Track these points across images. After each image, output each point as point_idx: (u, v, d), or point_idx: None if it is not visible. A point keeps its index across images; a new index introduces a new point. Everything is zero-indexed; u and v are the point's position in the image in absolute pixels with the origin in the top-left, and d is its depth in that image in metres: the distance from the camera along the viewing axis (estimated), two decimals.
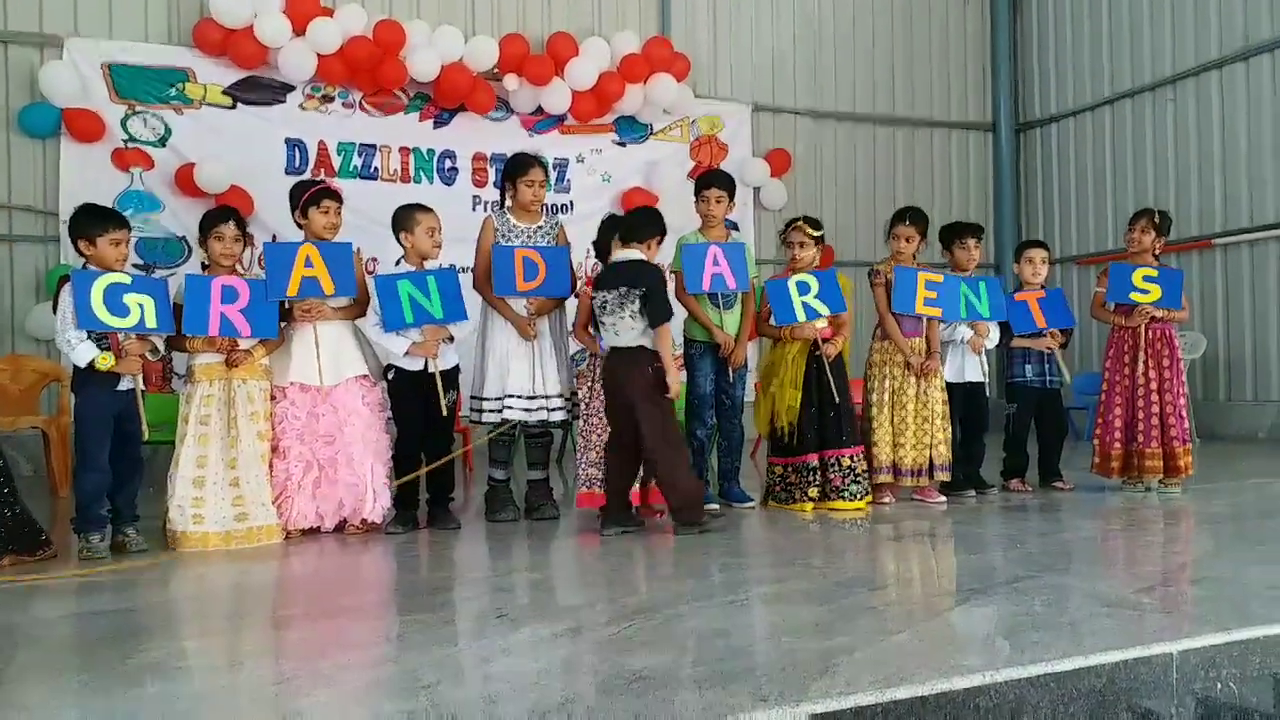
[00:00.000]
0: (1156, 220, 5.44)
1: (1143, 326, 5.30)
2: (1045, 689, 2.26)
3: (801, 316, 4.89)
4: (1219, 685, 2.46)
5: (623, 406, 4.40)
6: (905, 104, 10.97)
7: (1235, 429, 8.96)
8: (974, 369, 5.45)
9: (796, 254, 5.05)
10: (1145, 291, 5.29)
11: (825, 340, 4.93)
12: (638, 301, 4.34)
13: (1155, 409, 5.28)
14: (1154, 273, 5.32)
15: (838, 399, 4.86)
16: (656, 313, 4.33)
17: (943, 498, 5.16)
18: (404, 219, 4.65)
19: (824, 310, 4.91)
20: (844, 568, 3.53)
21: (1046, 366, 5.58)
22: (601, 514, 4.50)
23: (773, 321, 5.01)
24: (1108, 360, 5.52)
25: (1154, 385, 5.30)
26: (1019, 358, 5.60)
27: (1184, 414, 5.35)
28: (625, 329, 4.37)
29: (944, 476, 5.14)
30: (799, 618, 2.85)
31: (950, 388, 5.29)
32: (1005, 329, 5.56)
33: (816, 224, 5.09)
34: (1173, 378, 5.31)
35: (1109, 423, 5.44)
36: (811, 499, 4.84)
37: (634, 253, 4.50)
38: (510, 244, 4.75)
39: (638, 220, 4.66)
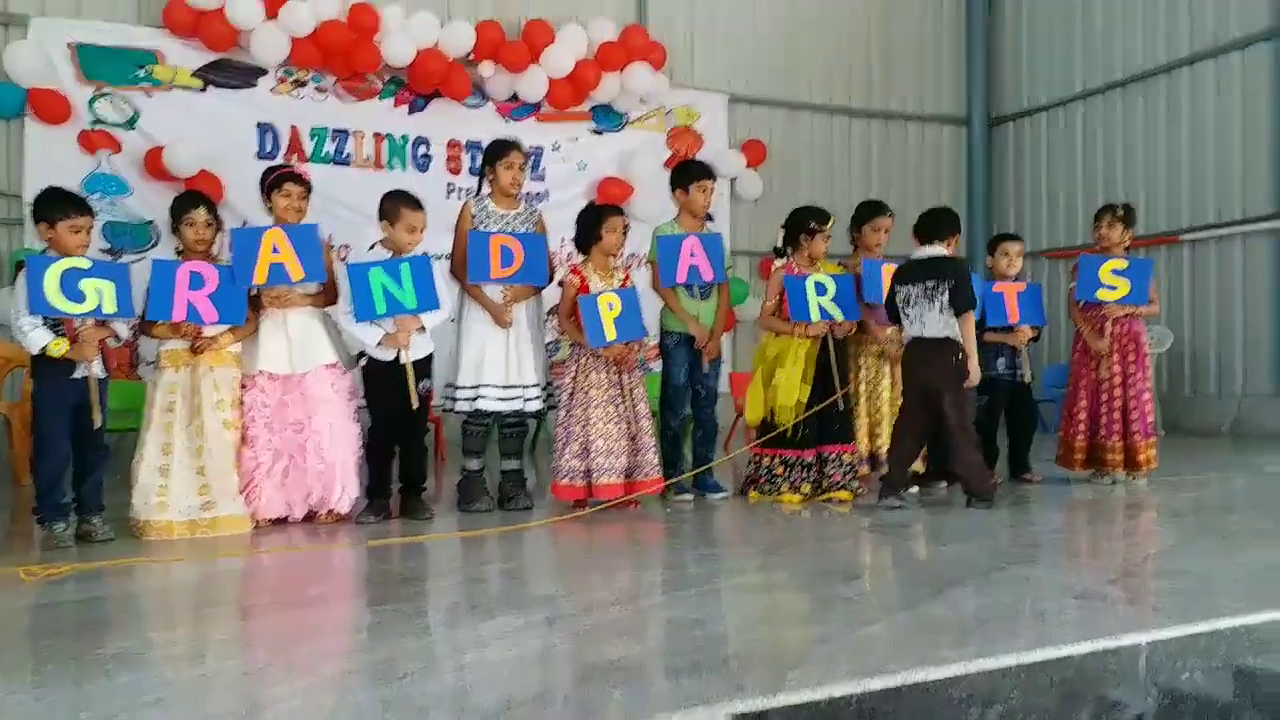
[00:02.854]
0: (1121, 214, 5.49)
1: (1109, 321, 5.35)
2: (1016, 679, 2.28)
3: (816, 317, 4.88)
4: (1185, 676, 2.49)
5: (924, 392, 4.66)
6: (880, 97, 11.01)
7: (1200, 423, 9.10)
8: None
9: (825, 249, 5.08)
10: (1113, 287, 5.32)
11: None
12: (946, 294, 4.58)
13: (1119, 403, 5.35)
14: (1123, 264, 5.36)
15: (842, 397, 4.91)
16: (964, 301, 4.60)
17: (915, 488, 5.19)
18: (389, 209, 4.55)
19: (838, 315, 4.91)
20: (818, 558, 3.55)
21: (1017, 360, 5.62)
22: (883, 485, 4.68)
23: (789, 316, 4.95)
24: (1075, 354, 5.59)
25: (1118, 380, 5.36)
26: (991, 351, 5.63)
27: (1148, 408, 5.41)
28: (932, 321, 4.63)
29: (918, 467, 5.18)
30: (773, 608, 2.86)
31: None
32: (978, 322, 5.60)
33: (824, 217, 5.10)
34: (1138, 372, 5.37)
35: (1074, 416, 5.51)
36: (804, 494, 4.86)
37: (937, 249, 4.77)
38: (488, 230, 4.71)
39: (936, 219, 4.89)
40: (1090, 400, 5.45)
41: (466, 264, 4.65)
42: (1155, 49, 9.61)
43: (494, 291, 4.68)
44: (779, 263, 5.18)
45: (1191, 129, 9.31)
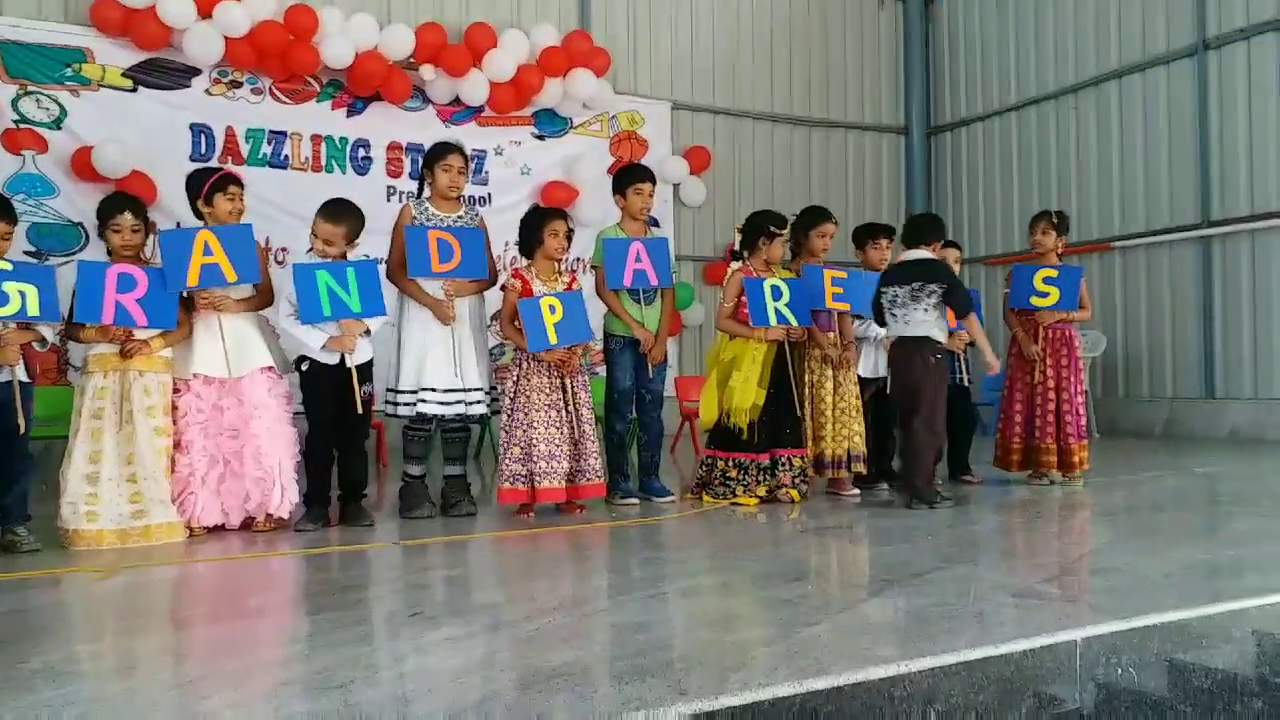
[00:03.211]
0: (1055, 220, 5.63)
1: (1042, 326, 5.47)
2: (956, 677, 2.30)
3: (773, 321, 4.91)
4: (1119, 671, 2.54)
5: (907, 387, 4.84)
6: (820, 106, 11.15)
7: (1132, 425, 9.35)
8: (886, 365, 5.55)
9: (781, 252, 5.12)
10: (1044, 294, 5.46)
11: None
12: (935, 296, 4.77)
13: (1052, 405, 5.46)
14: (1054, 273, 5.50)
15: (798, 401, 4.95)
16: (964, 304, 4.86)
17: (856, 490, 5.25)
18: (315, 218, 4.50)
19: (792, 320, 4.95)
20: (762, 561, 3.56)
21: (957, 364, 5.72)
22: (908, 491, 4.80)
23: (749, 321, 4.96)
24: (1010, 358, 5.70)
25: (1051, 383, 5.48)
26: None
27: (1081, 410, 5.54)
28: (917, 320, 4.80)
29: (859, 468, 5.23)
30: (716, 611, 2.86)
31: (863, 383, 5.38)
32: None
33: (782, 221, 5.14)
34: (1071, 375, 5.49)
35: (1010, 418, 5.62)
36: (760, 497, 4.89)
37: (922, 252, 4.95)
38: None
39: (922, 224, 5.11)
40: (1025, 403, 5.56)
41: (405, 263, 4.59)
42: (1086, 63, 9.87)
43: (434, 289, 4.62)
44: (735, 265, 5.21)
45: (1121, 140, 9.58)
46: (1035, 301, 5.47)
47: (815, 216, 5.41)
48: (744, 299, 4.98)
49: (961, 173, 11.35)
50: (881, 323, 5.04)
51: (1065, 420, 5.44)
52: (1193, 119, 8.92)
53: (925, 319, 4.78)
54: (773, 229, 5.08)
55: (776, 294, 4.94)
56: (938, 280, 4.80)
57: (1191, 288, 9.04)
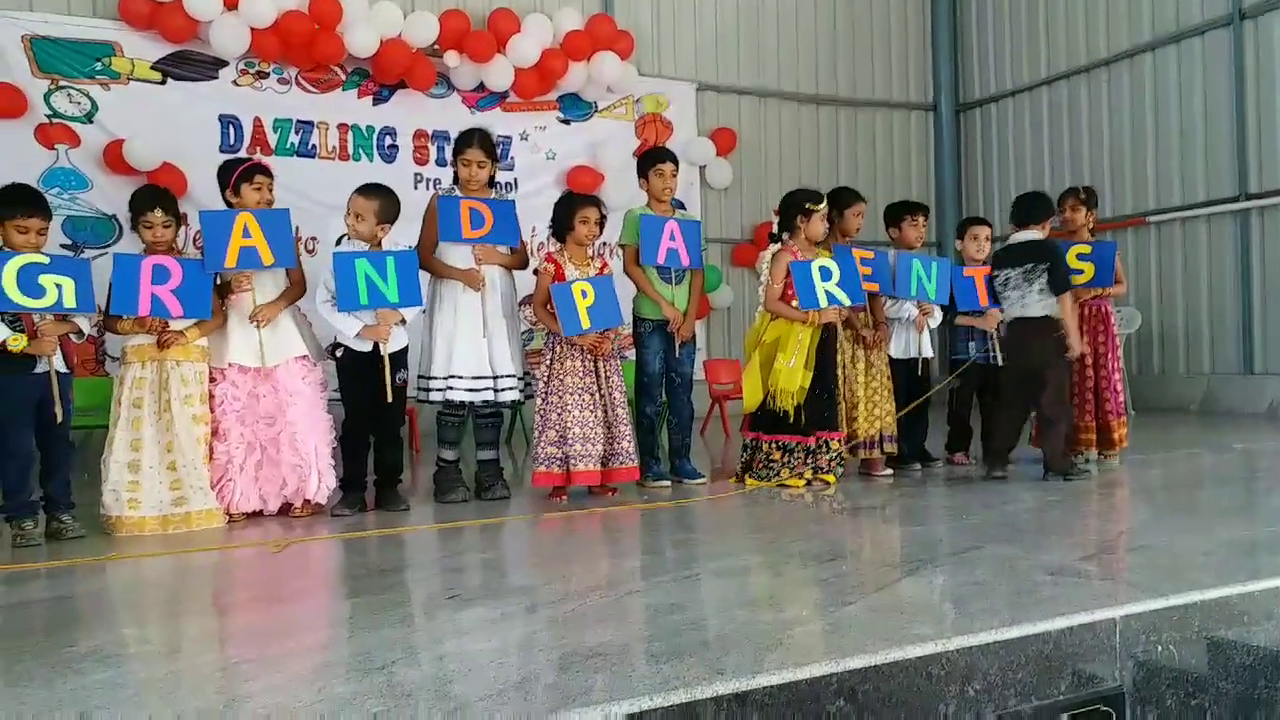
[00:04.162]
0: (1083, 196, 5.56)
1: (1076, 302, 5.40)
2: (994, 656, 2.29)
3: (824, 303, 4.85)
4: (1159, 649, 2.52)
5: (1027, 370, 4.97)
6: (848, 84, 11.04)
7: (1169, 401, 9.22)
8: (924, 345, 5.51)
9: (821, 230, 5.03)
10: (1079, 271, 5.37)
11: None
12: (1045, 276, 4.88)
13: (1090, 383, 5.40)
14: (1087, 249, 5.42)
15: (835, 384, 4.93)
16: (1062, 282, 4.91)
17: (889, 470, 5.23)
18: (348, 201, 4.53)
19: (845, 300, 4.90)
20: (794, 541, 3.56)
21: (989, 343, 5.66)
22: (987, 463, 5.03)
23: (796, 305, 4.88)
24: None
25: (1088, 360, 5.42)
26: (963, 335, 5.67)
27: (1119, 388, 5.48)
28: (1033, 301, 4.93)
29: (891, 449, 5.21)
30: (751, 591, 2.86)
31: (895, 363, 5.35)
32: (949, 304, 5.63)
33: (819, 197, 5.05)
34: (1108, 352, 5.42)
35: None
36: (807, 479, 4.85)
37: (1032, 233, 5.07)
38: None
39: (1030, 203, 5.18)
40: None
41: (433, 246, 4.63)
42: (1119, 35, 9.70)
43: (464, 261, 4.64)
44: (773, 247, 5.11)
45: (1156, 113, 9.41)
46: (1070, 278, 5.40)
47: (849, 196, 5.36)
48: (790, 280, 4.91)
49: (992, 149, 11.21)
50: (997, 303, 5.18)
51: (1104, 397, 5.37)
52: (1229, 90, 8.75)
53: (1041, 300, 4.90)
54: (809, 205, 5.00)
55: (826, 275, 4.88)
56: (1046, 259, 4.92)
57: (1229, 262, 8.89)
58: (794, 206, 5.02)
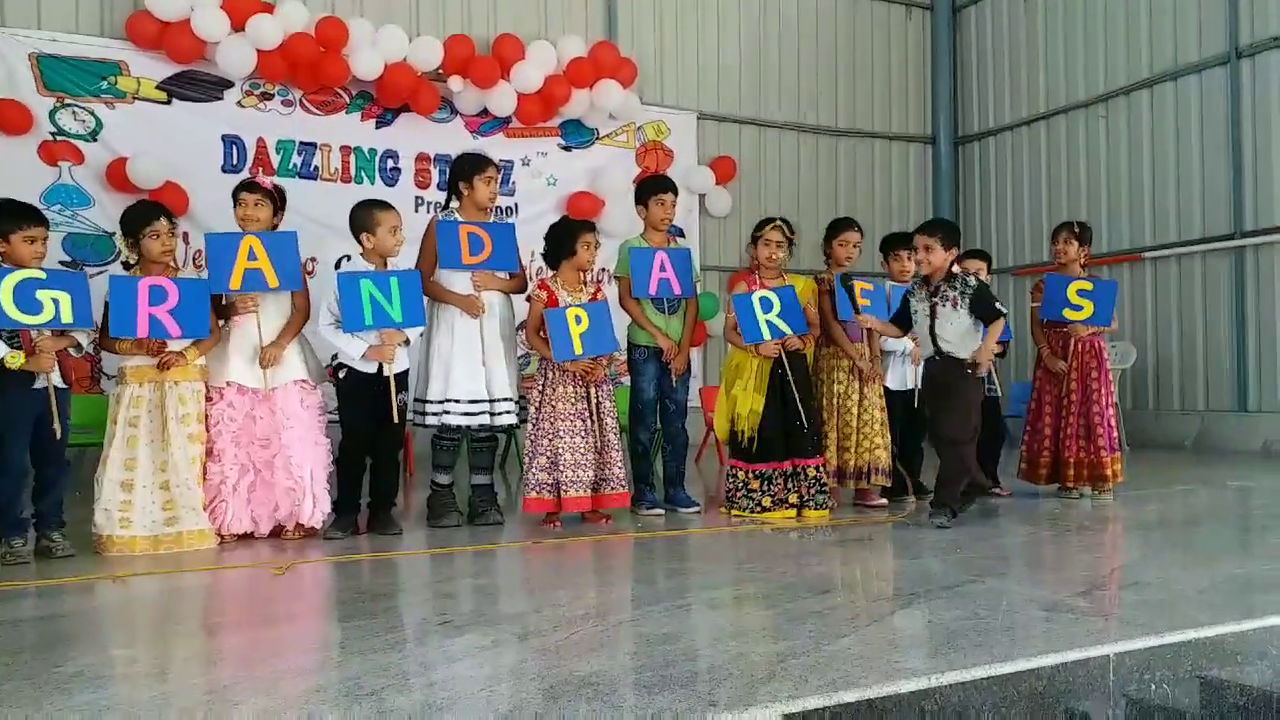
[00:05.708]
0: (1077, 231, 5.57)
1: (1074, 340, 5.42)
2: (987, 691, 2.29)
3: (766, 335, 4.85)
4: (1152, 687, 2.52)
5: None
6: (847, 116, 11.13)
7: (1163, 437, 9.23)
8: (914, 378, 5.51)
9: (771, 254, 5.00)
10: (1078, 308, 5.36)
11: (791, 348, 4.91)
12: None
13: (1080, 419, 5.40)
14: (1089, 285, 5.41)
15: (801, 411, 4.87)
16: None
17: (884, 501, 5.22)
18: (364, 218, 4.53)
19: (787, 330, 4.88)
20: (787, 573, 3.55)
21: (984, 375, 5.66)
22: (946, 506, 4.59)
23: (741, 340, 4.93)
24: (1038, 369, 5.65)
25: (1077, 396, 5.42)
26: None
27: (1112, 423, 5.47)
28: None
29: (883, 481, 5.19)
30: (744, 622, 2.85)
31: (891, 395, 5.35)
32: None
33: (790, 226, 5.07)
34: (1100, 388, 5.42)
35: (1038, 430, 5.57)
36: (794, 505, 4.83)
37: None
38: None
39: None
40: (1054, 415, 5.51)
41: (433, 274, 4.65)
42: (1117, 71, 9.79)
43: (462, 288, 4.65)
44: (741, 285, 5.15)
45: (1153, 150, 9.48)
46: (1068, 314, 5.38)
47: (836, 225, 5.39)
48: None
49: (990, 182, 11.28)
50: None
51: (1097, 433, 5.38)
52: (1226, 128, 8.82)
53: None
54: (755, 233, 5.06)
55: (767, 306, 4.86)
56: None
57: (1224, 299, 8.92)
58: (753, 237, 5.09)
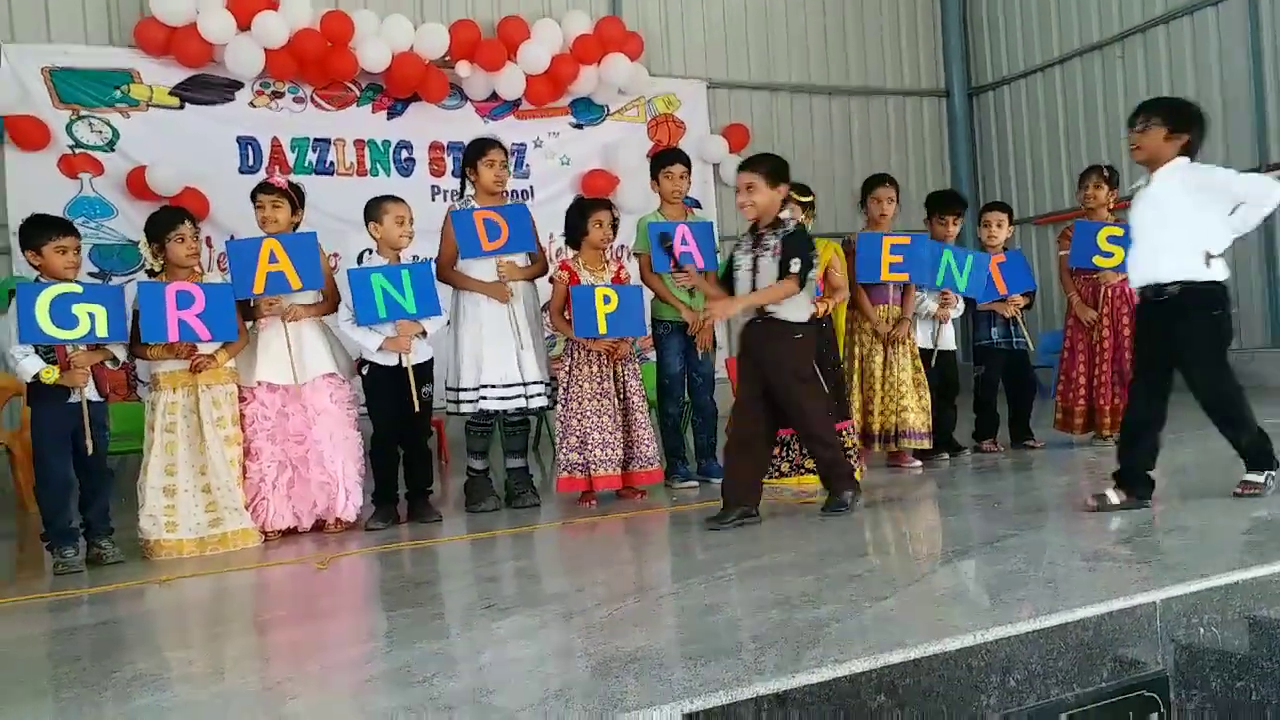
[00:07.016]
0: (1106, 174, 5.48)
1: (1104, 287, 5.35)
2: (1034, 645, 2.29)
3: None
4: (1201, 631, 2.51)
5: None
6: (858, 74, 10.99)
7: None
8: (945, 337, 5.47)
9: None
10: (1109, 254, 5.27)
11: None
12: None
13: (1115, 366, 5.34)
14: (1119, 231, 5.29)
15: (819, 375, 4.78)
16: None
17: (918, 462, 5.20)
18: (372, 210, 4.60)
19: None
20: (823, 538, 3.56)
21: (1012, 328, 5.62)
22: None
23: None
24: (1069, 319, 5.58)
25: (1109, 343, 5.36)
26: (985, 321, 5.63)
27: None
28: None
29: (920, 444, 5.13)
30: (786, 589, 2.86)
31: (923, 354, 5.30)
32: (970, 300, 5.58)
33: (805, 190, 4.84)
34: (1131, 334, 5.35)
35: (1072, 380, 5.51)
36: (811, 470, 4.58)
37: None
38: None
39: None
40: (1087, 364, 5.45)
41: (454, 260, 4.67)
42: (1131, 9, 9.60)
43: (486, 274, 4.67)
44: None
45: (1172, 88, 9.28)
46: (1098, 261, 5.29)
47: (868, 182, 5.32)
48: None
49: (1007, 132, 11.12)
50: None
51: (1129, 379, 5.31)
52: (1246, 60, 8.63)
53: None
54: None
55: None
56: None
57: (1252, 235, 8.67)
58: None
